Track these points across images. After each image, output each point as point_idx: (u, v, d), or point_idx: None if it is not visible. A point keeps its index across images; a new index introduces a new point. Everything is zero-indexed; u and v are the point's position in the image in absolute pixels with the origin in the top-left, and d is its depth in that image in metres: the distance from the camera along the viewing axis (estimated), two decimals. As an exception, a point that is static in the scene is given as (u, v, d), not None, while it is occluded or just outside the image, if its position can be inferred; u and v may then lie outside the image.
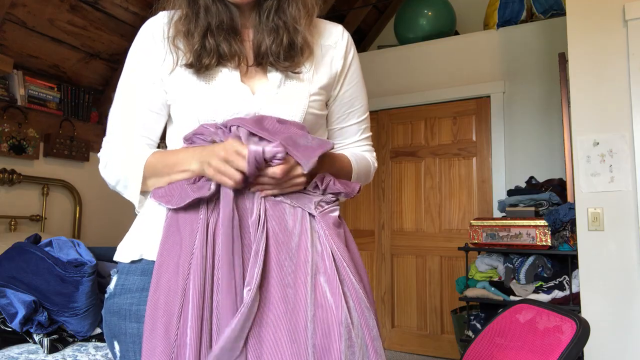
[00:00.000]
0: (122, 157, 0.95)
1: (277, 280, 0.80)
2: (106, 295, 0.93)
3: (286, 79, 0.91)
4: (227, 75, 0.90)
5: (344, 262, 0.83)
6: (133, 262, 0.90)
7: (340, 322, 0.78)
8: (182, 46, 0.91)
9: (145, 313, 0.79)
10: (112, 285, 0.92)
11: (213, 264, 0.79)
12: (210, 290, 0.78)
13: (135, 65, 0.95)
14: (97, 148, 3.48)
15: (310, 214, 0.86)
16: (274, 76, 0.91)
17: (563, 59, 2.84)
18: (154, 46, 0.94)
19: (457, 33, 3.95)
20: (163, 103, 0.95)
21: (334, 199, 0.90)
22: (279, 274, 0.80)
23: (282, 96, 0.90)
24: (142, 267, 0.88)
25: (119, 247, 0.94)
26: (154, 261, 0.83)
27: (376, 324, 0.81)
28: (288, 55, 0.90)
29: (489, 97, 3.63)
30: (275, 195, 0.85)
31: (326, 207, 0.87)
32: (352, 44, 1.01)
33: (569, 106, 2.65)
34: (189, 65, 0.89)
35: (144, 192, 0.94)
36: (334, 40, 0.99)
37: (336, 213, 0.88)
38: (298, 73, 0.92)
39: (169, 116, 0.97)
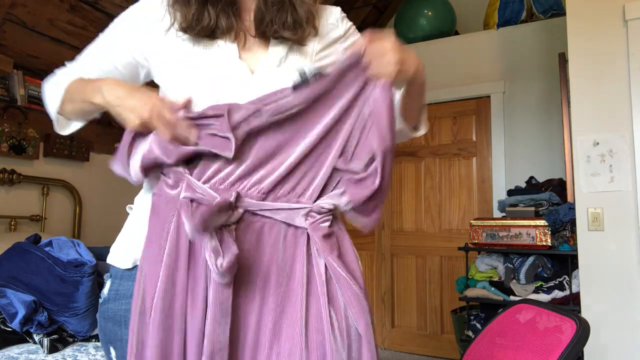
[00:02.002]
0: (59, 80, 0.93)
1: (272, 307, 0.79)
2: (100, 300, 0.91)
3: (289, 53, 0.87)
4: (224, 50, 0.85)
5: (339, 279, 0.80)
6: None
7: (331, 346, 0.77)
8: (179, 16, 0.86)
9: None
10: (105, 290, 0.89)
11: (186, 272, 0.77)
12: (184, 300, 0.76)
13: (128, 18, 0.93)
14: (98, 148, 3.44)
15: (299, 227, 0.82)
16: (276, 51, 0.87)
17: (563, 59, 2.84)
18: (151, 10, 0.90)
19: (457, 33, 3.95)
20: (129, 64, 0.91)
21: (328, 207, 0.85)
22: (274, 300, 0.79)
23: (282, 75, 0.85)
24: (135, 272, 0.85)
25: (112, 250, 0.91)
26: None
27: (369, 346, 0.79)
28: (292, 26, 0.86)
29: (489, 97, 3.63)
30: (254, 213, 0.80)
31: (318, 217, 0.83)
32: (351, 23, 0.99)
33: (569, 106, 2.65)
34: (184, 30, 0.85)
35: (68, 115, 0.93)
36: (334, 18, 0.96)
37: (327, 223, 0.84)
38: (303, 45, 0.88)
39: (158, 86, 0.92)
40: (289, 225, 0.82)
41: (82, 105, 0.88)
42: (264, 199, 0.81)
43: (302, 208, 0.82)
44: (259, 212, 0.81)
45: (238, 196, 0.79)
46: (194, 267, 0.78)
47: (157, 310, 0.75)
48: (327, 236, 0.83)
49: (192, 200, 0.79)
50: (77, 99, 0.89)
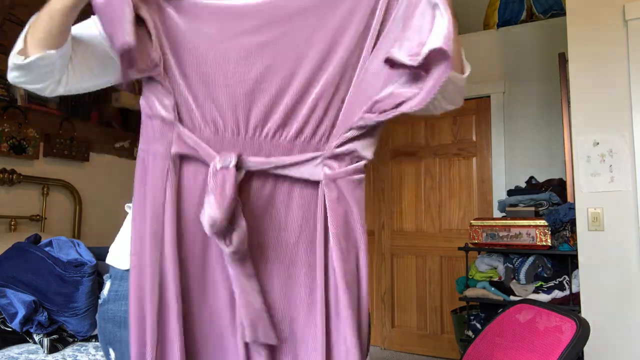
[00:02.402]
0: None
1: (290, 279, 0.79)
2: (100, 301, 0.90)
3: None
4: None
5: (336, 271, 0.80)
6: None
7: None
8: None
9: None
10: (105, 291, 0.89)
11: (203, 259, 0.76)
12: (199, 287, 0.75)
13: None
14: (98, 148, 3.42)
15: (317, 183, 0.74)
16: None
17: (563, 59, 2.84)
18: None
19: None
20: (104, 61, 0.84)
21: (346, 150, 0.74)
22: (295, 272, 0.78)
23: None
24: None
25: (111, 250, 0.91)
26: None
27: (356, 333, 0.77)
28: None
29: (489, 97, 3.62)
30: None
31: (337, 169, 0.74)
32: None
33: (569, 106, 2.65)
34: None
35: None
36: None
37: (357, 176, 0.75)
38: None
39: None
40: (305, 182, 0.74)
41: (49, 17, 0.78)
42: (269, 154, 0.72)
43: (313, 158, 0.74)
44: (264, 171, 0.73)
45: (239, 158, 0.70)
46: (204, 248, 0.74)
47: (173, 307, 0.72)
48: (337, 200, 0.74)
49: (182, 157, 0.71)
50: (40, 20, 0.79)
